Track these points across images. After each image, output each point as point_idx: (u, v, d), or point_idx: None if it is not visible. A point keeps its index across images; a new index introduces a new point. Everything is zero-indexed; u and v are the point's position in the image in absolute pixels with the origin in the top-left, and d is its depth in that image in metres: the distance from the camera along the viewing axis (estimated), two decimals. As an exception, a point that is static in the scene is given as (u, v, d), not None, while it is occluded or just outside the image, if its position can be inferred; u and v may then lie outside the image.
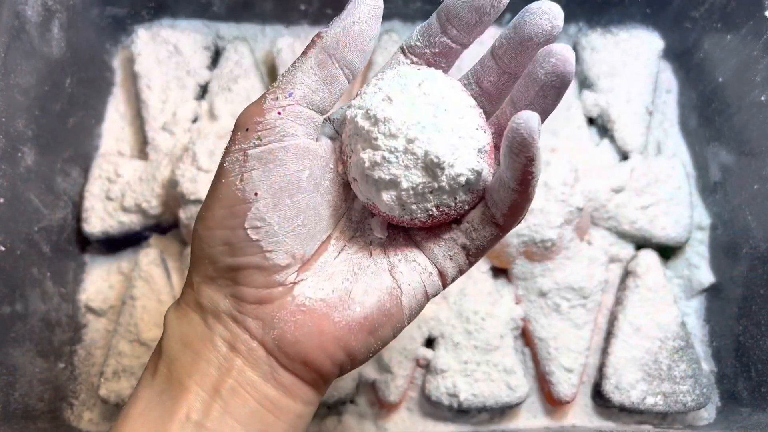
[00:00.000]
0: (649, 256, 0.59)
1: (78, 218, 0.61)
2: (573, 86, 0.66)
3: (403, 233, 0.35)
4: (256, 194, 0.30)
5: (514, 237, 0.55)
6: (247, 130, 0.31)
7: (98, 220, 0.60)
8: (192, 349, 0.31)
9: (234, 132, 0.32)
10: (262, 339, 0.31)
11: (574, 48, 0.67)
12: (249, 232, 0.30)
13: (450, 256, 0.34)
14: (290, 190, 0.31)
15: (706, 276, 0.61)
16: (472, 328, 0.55)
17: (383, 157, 0.31)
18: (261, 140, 0.31)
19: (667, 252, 0.62)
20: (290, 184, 0.31)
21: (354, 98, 0.35)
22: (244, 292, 0.31)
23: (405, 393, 0.57)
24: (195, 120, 0.65)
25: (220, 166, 0.31)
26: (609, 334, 0.58)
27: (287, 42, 0.66)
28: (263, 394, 0.31)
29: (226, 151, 0.32)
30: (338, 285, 0.33)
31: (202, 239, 0.31)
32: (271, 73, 0.68)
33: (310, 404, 0.33)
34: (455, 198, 0.32)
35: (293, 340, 0.31)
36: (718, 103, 0.62)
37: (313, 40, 0.33)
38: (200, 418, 0.30)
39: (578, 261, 0.57)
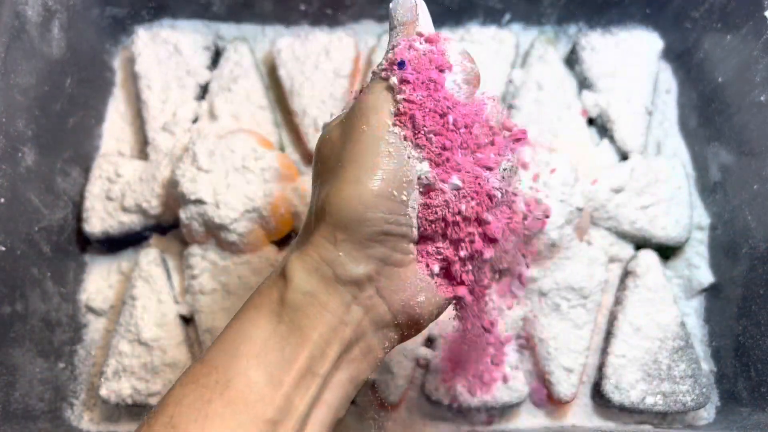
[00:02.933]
0: (649, 256, 0.59)
1: (78, 218, 0.61)
2: (573, 86, 0.66)
3: None
4: (419, 178, 0.33)
5: (514, 237, 0.55)
6: None
7: (98, 220, 0.60)
8: (320, 302, 0.33)
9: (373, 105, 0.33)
10: (390, 300, 0.34)
11: (574, 48, 0.67)
12: (408, 209, 0.33)
13: None
14: None
15: (705, 276, 0.61)
16: (472, 328, 0.55)
17: None
18: None
19: (667, 252, 0.62)
20: None
21: None
22: (390, 255, 0.34)
23: (405, 393, 0.57)
24: (195, 120, 0.65)
25: (387, 144, 0.33)
26: (609, 334, 0.58)
27: (287, 42, 0.66)
28: (375, 354, 0.35)
29: (376, 118, 0.33)
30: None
31: (367, 205, 0.32)
32: (271, 73, 0.68)
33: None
34: None
35: (415, 303, 0.35)
36: (717, 103, 0.62)
37: None
38: (319, 369, 0.33)
39: (578, 261, 0.57)
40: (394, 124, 0.33)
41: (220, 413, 0.31)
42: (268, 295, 0.34)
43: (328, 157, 0.35)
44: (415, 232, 0.34)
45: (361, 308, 0.34)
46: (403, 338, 0.36)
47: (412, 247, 0.34)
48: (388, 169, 0.32)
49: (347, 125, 0.34)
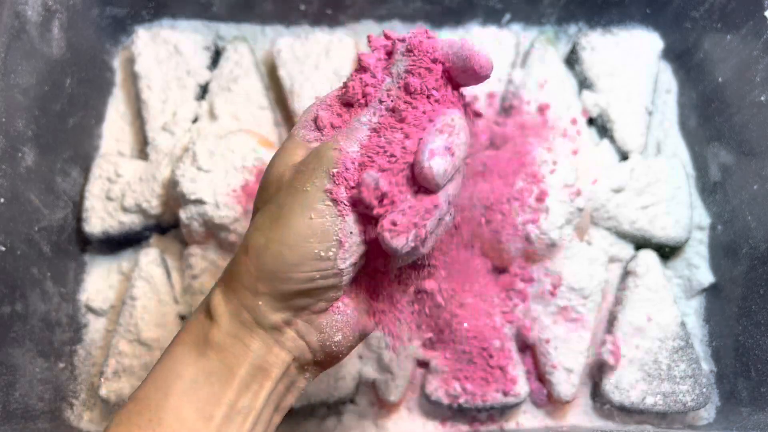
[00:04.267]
0: (649, 256, 0.59)
1: (78, 218, 0.61)
2: (573, 86, 0.66)
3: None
4: (351, 233, 0.33)
5: (514, 237, 0.55)
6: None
7: (98, 220, 0.60)
8: (244, 343, 0.34)
9: (316, 168, 0.33)
10: (309, 341, 0.35)
11: (574, 48, 0.67)
12: (339, 261, 0.33)
13: None
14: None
15: (705, 276, 0.61)
16: (472, 328, 0.55)
17: None
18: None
19: (667, 252, 0.62)
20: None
21: None
22: (313, 305, 0.35)
23: (405, 393, 0.57)
24: (195, 120, 0.65)
25: (308, 198, 0.33)
26: (609, 334, 0.58)
27: (287, 42, 0.66)
28: (298, 386, 0.37)
29: (313, 187, 0.33)
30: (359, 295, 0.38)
31: (293, 265, 0.33)
32: (271, 73, 0.68)
33: None
34: None
35: (332, 343, 0.36)
36: (717, 103, 0.62)
37: None
38: (252, 403, 0.34)
39: (578, 261, 0.57)
40: (330, 192, 0.33)
41: None
42: (195, 333, 0.35)
43: (272, 189, 0.35)
44: (346, 279, 0.34)
45: (284, 350, 0.35)
46: (324, 369, 0.38)
47: (339, 293, 0.35)
48: (318, 231, 0.32)
49: (295, 175, 0.34)
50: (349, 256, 0.33)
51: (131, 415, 0.33)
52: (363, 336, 0.38)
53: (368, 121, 0.34)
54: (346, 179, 0.33)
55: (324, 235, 0.32)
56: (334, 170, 0.32)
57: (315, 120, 0.36)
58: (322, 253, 0.33)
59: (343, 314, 0.36)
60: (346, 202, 0.33)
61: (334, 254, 0.33)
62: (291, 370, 0.36)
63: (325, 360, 0.37)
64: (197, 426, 0.33)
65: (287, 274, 0.33)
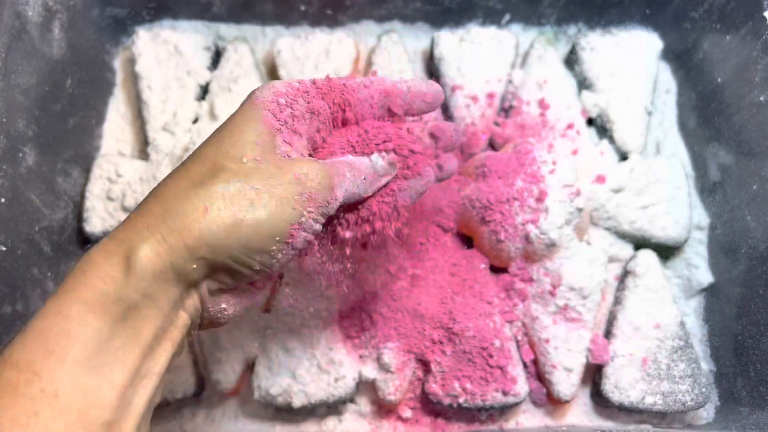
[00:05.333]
0: (649, 256, 0.60)
1: (79, 218, 0.61)
2: (572, 86, 0.66)
3: None
4: (309, 242, 0.37)
5: (514, 237, 0.55)
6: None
7: (99, 220, 0.60)
8: (156, 305, 0.33)
9: (309, 200, 0.36)
10: (206, 308, 0.37)
11: (574, 48, 0.67)
12: (282, 261, 0.36)
13: None
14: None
15: (705, 276, 0.61)
16: (471, 327, 0.55)
17: None
18: None
19: (667, 252, 0.62)
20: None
21: None
22: (234, 283, 0.36)
23: (405, 393, 0.57)
24: (195, 120, 0.65)
25: (293, 215, 0.35)
26: (608, 334, 0.58)
27: (287, 42, 0.66)
28: (182, 348, 0.37)
29: (301, 208, 0.35)
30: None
31: (248, 246, 0.34)
32: (272, 74, 0.68)
33: None
34: None
35: (222, 315, 0.38)
36: (717, 103, 0.62)
37: None
38: (155, 368, 0.34)
39: (578, 261, 0.57)
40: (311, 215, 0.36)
41: (51, 426, 0.29)
42: (100, 288, 0.32)
43: (234, 160, 0.35)
44: (275, 272, 0.37)
45: (186, 313, 0.35)
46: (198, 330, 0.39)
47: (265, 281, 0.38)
48: (285, 235, 0.35)
49: (285, 187, 0.35)
50: (291, 259, 0.36)
51: (17, 385, 0.29)
52: (247, 309, 0.40)
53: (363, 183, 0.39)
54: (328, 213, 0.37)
55: (284, 239, 0.35)
56: (325, 211, 0.36)
57: (293, 119, 0.38)
58: (274, 252, 0.35)
59: (242, 294, 0.38)
60: (318, 230, 0.37)
61: (283, 256, 0.35)
62: (183, 333, 0.36)
63: (205, 326, 0.38)
64: (99, 394, 0.30)
65: (238, 254, 0.34)
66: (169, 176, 0.36)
